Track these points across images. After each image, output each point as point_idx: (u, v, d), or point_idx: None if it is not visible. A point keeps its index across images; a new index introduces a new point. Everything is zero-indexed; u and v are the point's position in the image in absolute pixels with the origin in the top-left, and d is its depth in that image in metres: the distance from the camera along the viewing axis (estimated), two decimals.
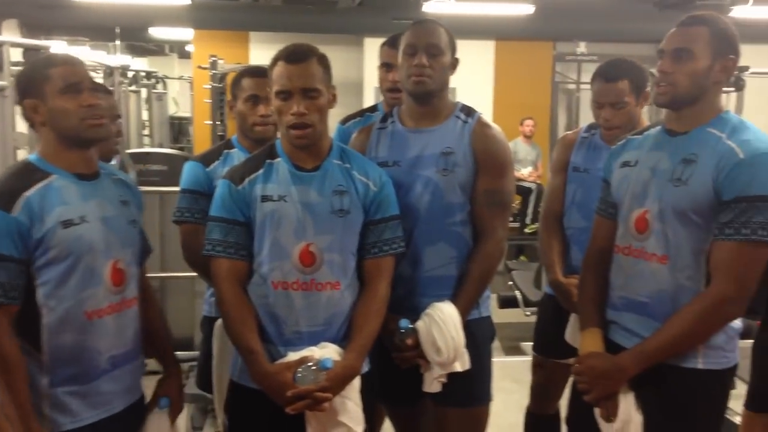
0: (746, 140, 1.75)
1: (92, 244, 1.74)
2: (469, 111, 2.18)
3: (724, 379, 1.87)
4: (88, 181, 1.80)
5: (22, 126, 3.23)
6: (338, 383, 1.82)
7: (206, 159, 2.43)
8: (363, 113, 2.80)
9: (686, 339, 1.79)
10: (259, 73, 2.36)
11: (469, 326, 2.09)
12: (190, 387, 3.20)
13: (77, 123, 1.73)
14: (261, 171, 1.94)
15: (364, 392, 1.92)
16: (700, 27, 1.81)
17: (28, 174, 1.73)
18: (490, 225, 2.11)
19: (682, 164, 1.81)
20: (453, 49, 2.14)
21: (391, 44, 2.67)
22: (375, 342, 2.02)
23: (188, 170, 2.41)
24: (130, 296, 1.85)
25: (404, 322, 2.04)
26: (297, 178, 1.92)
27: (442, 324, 2.00)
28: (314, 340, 1.87)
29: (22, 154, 3.90)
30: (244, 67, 2.85)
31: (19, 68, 2.83)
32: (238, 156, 2.35)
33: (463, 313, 2.05)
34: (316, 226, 1.88)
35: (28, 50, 5.27)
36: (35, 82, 1.74)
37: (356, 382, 1.88)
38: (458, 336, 2.01)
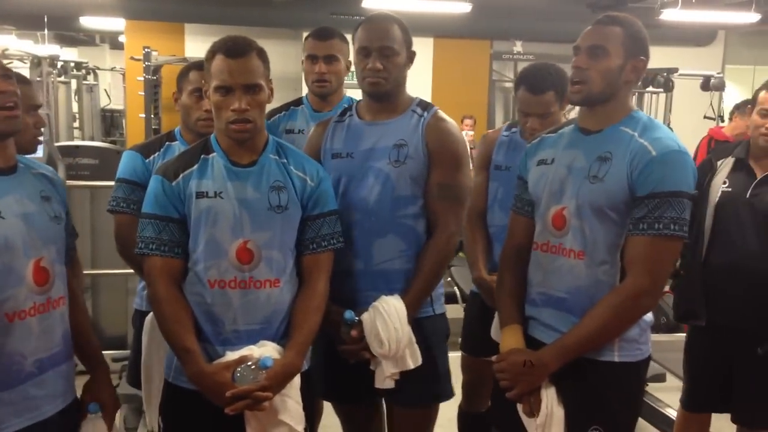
0: (657, 138, 1.81)
1: (9, 242, 1.62)
2: (426, 105, 2.18)
3: (638, 370, 1.92)
4: (5, 175, 1.68)
5: None
6: (278, 382, 1.79)
7: (146, 149, 2.37)
8: (288, 107, 2.79)
9: (604, 332, 1.83)
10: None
11: (421, 323, 2.09)
12: (123, 387, 3.11)
13: None
14: (195, 166, 1.89)
15: (304, 390, 1.90)
16: (615, 27, 1.86)
17: None
18: (442, 219, 2.10)
19: (597, 162, 1.85)
20: (408, 44, 2.13)
21: (316, 36, 2.69)
22: (323, 338, 2.01)
23: (126, 159, 2.34)
24: (56, 296, 1.74)
25: (349, 314, 2.03)
26: (233, 174, 1.88)
27: (387, 316, 1.99)
28: (253, 338, 1.84)
29: None
30: (178, 59, 2.80)
31: None
32: (179, 148, 2.30)
33: (412, 307, 2.04)
34: (253, 223, 1.85)
35: None
36: None
37: (296, 381, 1.86)
38: (402, 329, 2.00)
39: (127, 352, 3.69)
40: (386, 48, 2.06)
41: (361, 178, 2.11)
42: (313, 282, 1.93)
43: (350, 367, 2.08)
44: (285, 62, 7.19)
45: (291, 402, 1.85)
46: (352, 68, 2.62)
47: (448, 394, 2.22)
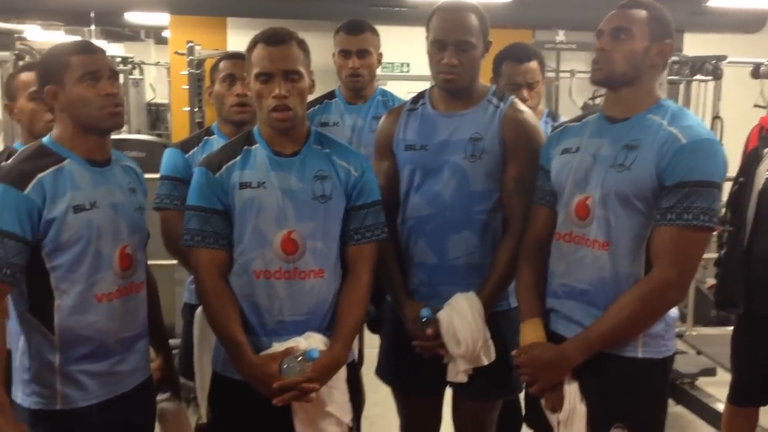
0: (688, 126, 1.76)
1: (102, 230, 1.76)
2: (501, 95, 2.14)
3: (663, 367, 1.86)
4: (100, 167, 1.81)
5: None
6: (325, 373, 1.81)
7: (186, 145, 2.42)
8: (322, 100, 2.81)
9: (629, 325, 1.78)
10: (235, 56, 2.38)
11: (496, 317, 2.08)
12: None
13: (96, 112, 1.75)
14: (238, 158, 1.90)
15: (350, 382, 1.91)
16: (639, 10, 1.82)
17: (42, 156, 1.75)
18: (519, 215, 2.06)
19: (624, 150, 1.79)
20: (485, 33, 2.08)
21: (347, 30, 2.70)
22: (391, 328, 2.01)
23: (168, 157, 2.40)
24: (137, 281, 1.88)
25: (426, 311, 2.03)
26: (276, 164, 1.88)
27: (464, 316, 1.98)
28: (298, 329, 1.85)
29: None
30: (222, 52, 2.86)
31: None
32: (217, 142, 2.33)
33: (488, 304, 2.03)
34: (297, 213, 1.85)
35: (77, 40, 5.17)
36: (55, 69, 1.75)
37: (342, 372, 1.88)
38: (480, 329, 1.99)
39: (174, 341, 3.75)
40: (463, 42, 2.01)
41: (436, 171, 2.08)
42: (357, 273, 1.93)
43: (420, 359, 2.07)
44: (327, 54, 7.22)
45: (337, 393, 1.86)
46: (387, 60, 2.67)
47: (518, 388, 2.19)
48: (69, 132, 1.78)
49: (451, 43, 2.01)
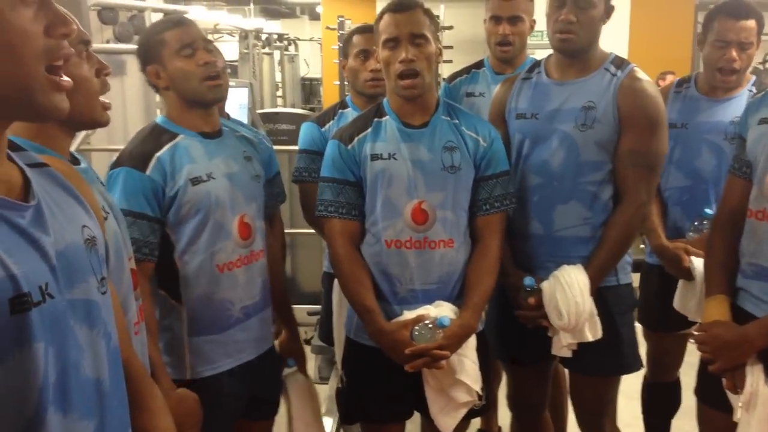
0: None
1: (219, 200, 1.80)
2: (620, 63, 2.04)
3: None
4: (212, 139, 1.86)
5: None
6: (455, 341, 1.82)
7: (321, 119, 2.48)
8: (469, 70, 2.75)
9: None
10: (369, 29, 2.35)
11: (603, 293, 2.02)
12: (317, 339, 3.32)
13: (197, 84, 1.78)
14: (369, 130, 1.93)
15: (480, 351, 1.91)
16: None
17: (157, 135, 1.81)
18: (633, 188, 1.98)
19: None
20: None
21: None
22: (498, 299, 2.00)
23: (304, 131, 2.47)
24: (257, 249, 1.91)
25: (529, 280, 2.01)
26: (406, 135, 1.90)
27: (568, 288, 1.94)
28: (428, 298, 1.88)
29: None
30: (369, 26, 2.89)
31: None
32: (351, 115, 2.37)
33: (595, 279, 1.97)
34: (427, 184, 1.87)
35: (168, 16, 5.52)
36: (153, 48, 1.80)
37: (472, 341, 1.88)
38: (583, 302, 1.94)
39: (319, 308, 3.92)
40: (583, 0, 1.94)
41: (544, 140, 2.04)
42: (486, 243, 1.92)
43: (527, 330, 2.06)
44: (474, 24, 7.13)
45: (468, 362, 1.87)
46: (537, 27, 2.54)
47: (632, 366, 2.13)
48: (177, 109, 1.83)
49: (569, 0, 1.94)
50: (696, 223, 2.40)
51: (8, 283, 0.79)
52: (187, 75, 1.78)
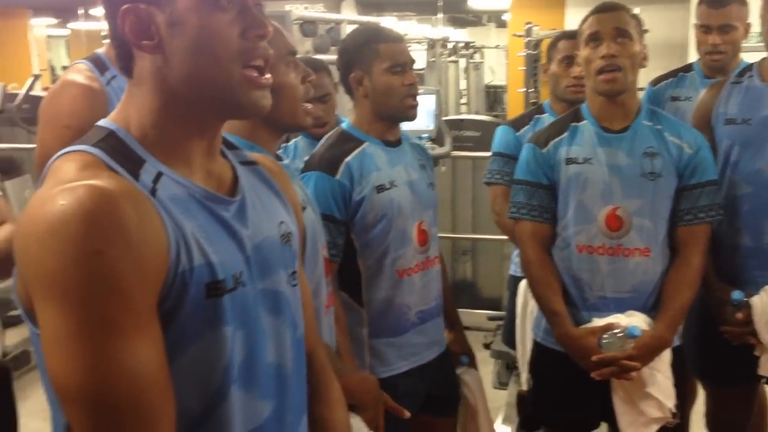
0: None
1: (401, 207, 1.85)
2: None
3: None
4: (393, 147, 1.91)
5: None
6: (646, 353, 1.76)
7: (517, 123, 2.50)
8: (676, 73, 2.64)
9: None
10: (575, 35, 2.33)
11: None
12: (497, 344, 3.33)
13: (398, 103, 1.83)
14: (566, 134, 1.91)
15: (676, 367, 1.83)
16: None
17: (345, 142, 1.87)
18: None
19: None
20: None
21: (710, 3, 2.43)
22: (699, 313, 1.92)
23: (500, 134, 2.49)
24: (432, 255, 1.94)
25: (737, 294, 1.90)
26: (604, 140, 1.86)
27: None
28: (620, 307, 1.83)
29: None
30: (558, 32, 2.86)
31: None
32: (548, 120, 2.36)
33: None
34: (624, 190, 1.82)
35: (381, 26, 5.80)
36: (364, 56, 1.85)
37: (666, 355, 1.81)
38: None
39: (500, 313, 3.92)
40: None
41: (757, 147, 1.93)
42: (687, 255, 1.84)
43: (731, 348, 1.94)
44: (670, 27, 6.80)
45: (660, 376, 1.80)
46: (753, 30, 2.39)
47: None
48: (367, 118, 1.87)
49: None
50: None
51: (206, 270, 0.88)
52: (392, 91, 1.83)
